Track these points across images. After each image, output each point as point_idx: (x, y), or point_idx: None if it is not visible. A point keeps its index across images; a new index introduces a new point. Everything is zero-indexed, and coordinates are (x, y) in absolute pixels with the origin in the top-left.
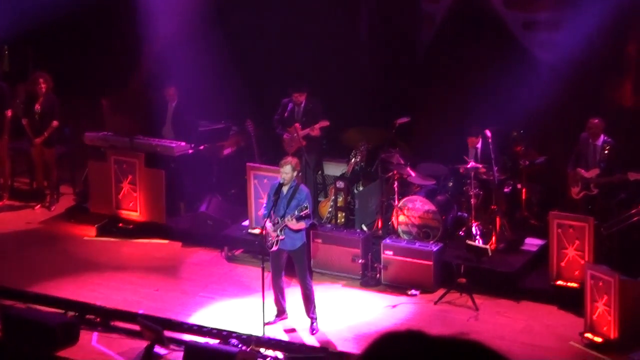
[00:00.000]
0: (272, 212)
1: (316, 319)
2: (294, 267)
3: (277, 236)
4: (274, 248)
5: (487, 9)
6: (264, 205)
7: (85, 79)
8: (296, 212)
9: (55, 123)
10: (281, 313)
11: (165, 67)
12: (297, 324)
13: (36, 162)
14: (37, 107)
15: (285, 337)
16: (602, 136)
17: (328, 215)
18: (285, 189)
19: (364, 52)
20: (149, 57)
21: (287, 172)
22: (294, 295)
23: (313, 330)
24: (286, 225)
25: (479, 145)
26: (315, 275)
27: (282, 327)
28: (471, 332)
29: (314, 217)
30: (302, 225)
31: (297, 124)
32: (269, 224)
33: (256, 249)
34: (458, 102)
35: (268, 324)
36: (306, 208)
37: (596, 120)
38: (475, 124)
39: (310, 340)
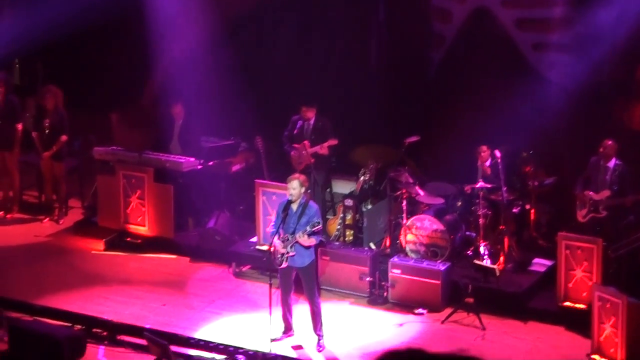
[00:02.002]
0: (280, 229)
1: (323, 336)
2: (302, 284)
3: (287, 253)
4: (283, 265)
5: (498, 29)
6: (273, 222)
7: (94, 94)
8: (308, 228)
9: (64, 137)
10: (288, 330)
11: (175, 83)
12: (304, 341)
13: (45, 175)
14: (47, 121)
15: (292, 354)
16: (614, 159)
17: (336, 233)
18: (294, 206)
19: (373, 71)
20: (158, 72)
21: (294, 187)
22: (301, 312)
23: (320, 348)
24: (297, 242)
25: (487, 163)
26: (322, 293)
27: (288, 343)
28: (478, 352)
29: (322, 235)
30: (312, 241)
31: (306, 142)
32: (277, 241)
33: (264, 266)
34: (467, 122)
35: (275, 340)
36: (318, 224)
37: (610, 142)
38: (486, 142)
39: (317, 357)
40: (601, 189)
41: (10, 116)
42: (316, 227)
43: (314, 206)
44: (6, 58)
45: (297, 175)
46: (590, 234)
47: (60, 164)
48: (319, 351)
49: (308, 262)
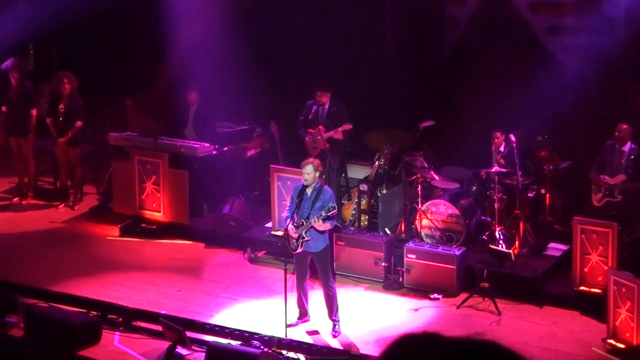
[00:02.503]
0: (295, 214)
1: (338, 321)
2: (317, 269)
3: (302, 238)
4: (299, 250)
5: (513, 13)
6: (287, 207)
7: (109, 79)
8: (323, 213)
9: (79, 123)
10: (303, 315)
11: (190, 67)
12: (319, 327)
13: (60, 161)
14: (61, 107)
15: (307, 339)
16: (629, 142)
17: (351, 218)
18: (308, 191)
19: (388, 55)
20: (173, 57)
21: (308, 172)
22: (316, 298)
23: (335, 333)
24: (312, 227)
25: (502, 148)
26: (337, 278)
27: (304, 329)
28: (493, 337)
29: (337, 220)
30: (327, 226)
31: (320, 127)
32: (291, 227)
33: (279, 251)
34: (482, 106)
35: (290, 325)
36: (333, 208)
37: (625, 126)
38: (500, 128)
39: (332, 343)
40: (616, 173)
41: (25, 102)
42: (331, 212)
43: (328, 191)
44: (21, 44)
45: (311, 159)
46: (606, 218)
47: (75, 150)
48: (335, 337)
49: (323, 247)
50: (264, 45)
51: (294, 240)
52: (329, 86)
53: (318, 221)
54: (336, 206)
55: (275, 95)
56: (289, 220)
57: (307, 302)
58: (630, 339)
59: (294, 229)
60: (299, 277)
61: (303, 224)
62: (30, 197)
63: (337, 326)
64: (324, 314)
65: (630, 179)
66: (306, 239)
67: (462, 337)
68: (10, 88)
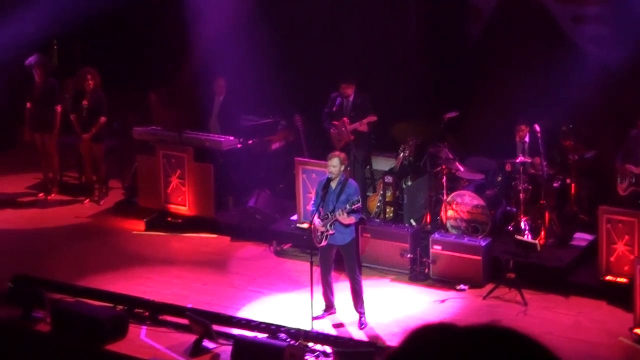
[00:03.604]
0: (320, 207)
1: (364, 313)
2: (343, 261)
3: (327, 231)
4: (323, 243)
5: (536, 2)
6: (313, 200)
7: (133, 74)
8: (347, 206)
9: (102, 119)
10: (329, 308)
11: (214, 61)
12: (345, 319)
13: (85, 157)
14: (85, 103)
15: (333, 332)
16: None
17: (376, 210)
18: (333, 184)
19: (412, 46)
20: (197, 51)
21: (334, 165)
22: (342, 290)
23: (361, 325)
24: (337, 220)
25: (527, 139)
26: (363, 270)
27: (330, 321)
28: (519, 327)
29: (362, 212)
30: (352, 219)
31: (345, 119)
32: (317, 220)
33: (305, 244)
34: (507, 97)
35: (316, 318)
36: (358, 202)
37: None
38: (524, 118)
39: (359, 335)
40: None
41: (49, 99)
42: (355, 205)
43: (353, 184)
44: (45, 39)
45: (337, 152)
46: (632, 207)
47: (99, 145)
48: (361, 329)
49: (349, 240)
50: (287, 37)
51: (319, 234)
52: (353, 78)
53: (343, 214)
54: (360, 199)
55: (299, 88)
56: (315, 214)
57: (332, 294)
58: None
59: (319, 222)
60: (324, 269)
61: (328, 217)
62: (55, 193)
63: (363, 318)
64: (349, 306)
65: None
66: (331, 232)
67: (478, 324)
68: (35, 85)
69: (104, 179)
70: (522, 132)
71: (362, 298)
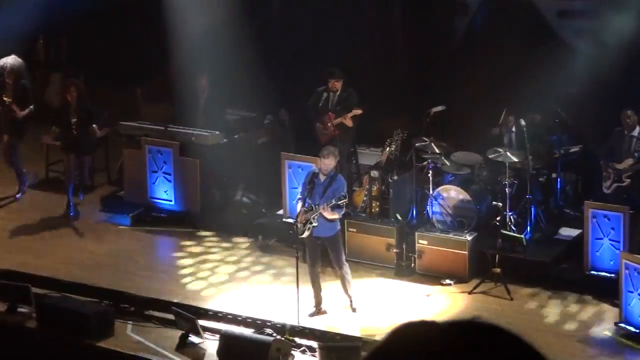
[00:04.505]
0: (305, 199)
1: (354, 297)
2: (329, 255)
3: (310, 223)
4: (305, 234)
5: None
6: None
7: (119, 68)
8: (333, 201)
9: (93, 130)
10: (318, 305)
11: (199, 55)
12: (332, 313)
13: (69, 170)
14: (74, 119)
15: (320, 326)
16: (637, 127)
17: (362, 204)
18: (322, 177)
19: (398, 40)
20: (183, 45)
21: (330, 163)
22: (329, 284)
23: (354, 307)
24: (320, 214)
25: (513, 129)
26: (349, 265)
27: (316, 316)
28: (505, 322)
29: (348, 207)
30: (335, 215)
31: (330, 113)
32: (301, 210)
33: (290, 238)
34: (492, 91)
35: (310, 315)
36: (344, 197)
37: (630, 112)
38: (510, 112)
39: (345, 330)
40: (625, 158)
41: (20, 102)
42: (342, 201)
43: (341, 179)
44: (31, 34)
45: (332, 148)
46: (617, 204)
47: (89, 156)
48: (354, 311)
49: (333, 233)
50: (273, 32)
51: (301, 225)
52: (341, 73)
53: (327, 209)
54: (347, 196)
55: (285, 82)
56: (299, 204)
57: (319, 289)
58: None
59: (302, 214)
60: (311, 263)
61: (312, 209)
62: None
63: (353, 301)
64: (337, 301)
65: (638, 161)
66: (314, 224)
67: (459, 319)
68: (6, 87)
69: (87, 177)
70: (510, 122)
71: (351, 284)
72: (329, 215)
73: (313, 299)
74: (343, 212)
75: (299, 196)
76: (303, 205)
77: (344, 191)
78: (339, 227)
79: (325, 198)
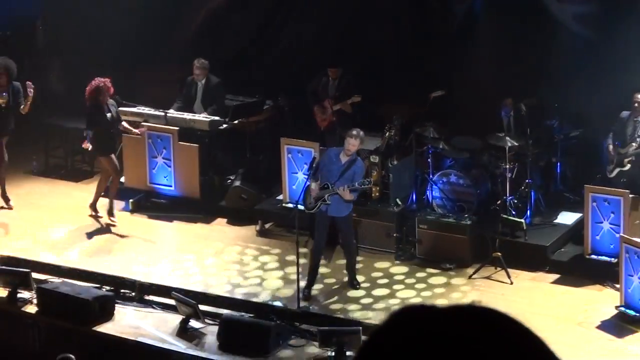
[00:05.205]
0: (318, 175)
1: (357, 278)
2: (339, 233)
3: (324, 201)
4: (314, 210)
5: None
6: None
7: (120, 53)
8: (356, 184)
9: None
10: (309, 286)
11: (200, 40)
12: (333, 296)
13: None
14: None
15: (320, 311)
16: None
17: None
18: (343, 159)
19: (397, 25)
20: (183, 30)
21: (356, 143)
22: (332, 266)
23: (357, 284)
24: (337, 193)
25: (512, 113)
26: None
27: (317, 300)
28: (505, 306)
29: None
30: (352, 197)
31: (329, 99)
32: (315, 186)
33: (290, 223)
34: (492, 76)
35: (305, 297)
36: (369, 183)
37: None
38: (510, 96)
39: (344, 314)
40: (629, 142)
41: (13, 103)
42: (366, 186)
43: (361, 164)
44: (29, 19)
45: (361, 132)
46: (618, 188)
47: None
48: (357, 288)
49: (345, 214)
50: (273, 17)
51: (313, 200)
52: (340, 62)
53: (346, 190)
54: (371, 182)
55: (284, 68)
56: (310, 179)
57: (316, 273)
58: None
59: (318, 189)
60: (318, 241)
61: (328, 187)
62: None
63: (356, 280)
64: (337, 285)
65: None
66: (327, 202)
67: (459, 304)
68: None
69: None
70: (508, 106)
71: (355, 263)
72: (347, 196)
73: (310, 278)
74: (357, 195)
75: (311, 171)
76: (317, 181)
77: (363, 175)
78: (351, 209)
79: (343, 179)
